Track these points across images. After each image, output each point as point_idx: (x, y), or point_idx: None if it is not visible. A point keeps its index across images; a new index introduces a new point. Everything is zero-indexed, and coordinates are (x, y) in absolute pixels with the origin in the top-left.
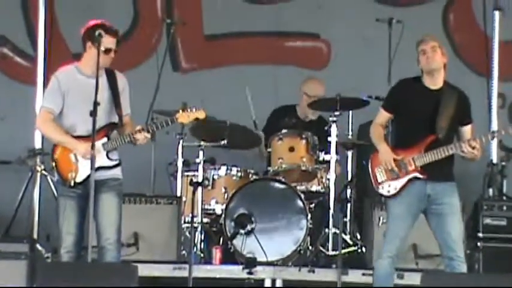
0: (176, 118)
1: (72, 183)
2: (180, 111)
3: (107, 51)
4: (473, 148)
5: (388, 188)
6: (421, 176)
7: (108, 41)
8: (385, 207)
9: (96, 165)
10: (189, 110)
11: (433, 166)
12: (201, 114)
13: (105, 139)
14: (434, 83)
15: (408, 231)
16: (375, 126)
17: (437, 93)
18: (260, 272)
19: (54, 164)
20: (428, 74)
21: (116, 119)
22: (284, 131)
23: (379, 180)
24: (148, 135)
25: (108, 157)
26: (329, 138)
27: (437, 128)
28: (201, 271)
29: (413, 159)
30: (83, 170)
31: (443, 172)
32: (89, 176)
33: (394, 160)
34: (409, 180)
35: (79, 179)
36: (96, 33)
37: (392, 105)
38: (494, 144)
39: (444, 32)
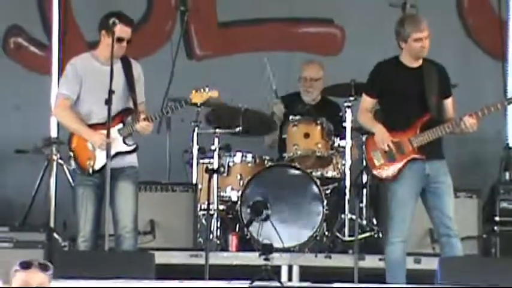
0: (190, 99)
1: (90, 171)
2: (193, 91)
3: (120, 40)
4: (471, 125)
5: (386, 171)
6: (419, 157)
7: (122, 31)
8: (388, 190)
9: (113, 151)
10: (202, 90)
11: (427, 145)
12: (214, 93)
13: (120, 125)
14: (417, 61)
15: (413, 213)
16: (362, 113)
17: (418, 71)
18: (276, 259)
19: (72, 153)
20: (414, 58)
21: (131, 105)
22: (298, 117)
23: (377, 164)
24: (150, 124)
25: (124, 142)
26: (344, 124)
27: (429, 106)
28: (218, 258)
29: (409, 140)
30: (101, 157)
31: (436, 150)
32: (106, 164)
33: (391, 142)
34: (407, 163)
35: (97, 166)
36: (111, 21)
37: (376, 89)
38: (510, 127)
39: (458, 15)
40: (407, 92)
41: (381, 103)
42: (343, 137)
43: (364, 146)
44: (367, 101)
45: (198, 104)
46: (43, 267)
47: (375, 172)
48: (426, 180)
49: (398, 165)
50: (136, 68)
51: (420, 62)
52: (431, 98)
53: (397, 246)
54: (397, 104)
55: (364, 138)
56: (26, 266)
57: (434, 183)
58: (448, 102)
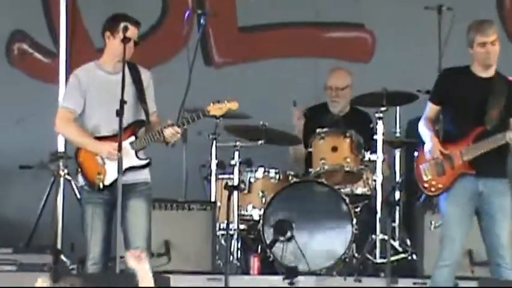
0: (208, 111)
1: (100, 186)
2: (212, 103)
3: (127, 40)
4: None
5: (434, 186)
6: (469, 172)
7: (130, 31)
8: (438, 209)
9: (125, 165)
10: (220, 102)
11: (483, 161)
12: (234, 105)
13: (132, 138)
14: (487, 72)
15: (465, 234)
16: (422, 120)
17: (488, 82)
18: (302, 282)
19: (79, 168)
20: (483, 66)
21: (142, 116)
22: (326, 129)
23: (425, 178)
24: (179, 130)
25: (137, 156)
26: (375, 137)
27: (486, 119)
28: (238, 282)
29: (460, 152)
30: (111, 172)
31: (494, 167)
32: (117, 179)
33: (441, 153)
34: (457, 178)
35: (107, 181)
36: (122, 25)
37: (439, 97)
38: None
39: (499, 18)
40: (467, 101)
41: (444, 113)
42: (374, 151)
43: (415, 159)
44: (430, 108)
45: (217, 117)
46: None
47: (421, 187)
48: (479, 199)
49: (448, 179)
50: (146, 75)
51: (492, 73)
52: (492, 112)
53: (442, 270)
54: (455, 114)
55: (397, 152)
56: None
57: (487, 203)
58: None
